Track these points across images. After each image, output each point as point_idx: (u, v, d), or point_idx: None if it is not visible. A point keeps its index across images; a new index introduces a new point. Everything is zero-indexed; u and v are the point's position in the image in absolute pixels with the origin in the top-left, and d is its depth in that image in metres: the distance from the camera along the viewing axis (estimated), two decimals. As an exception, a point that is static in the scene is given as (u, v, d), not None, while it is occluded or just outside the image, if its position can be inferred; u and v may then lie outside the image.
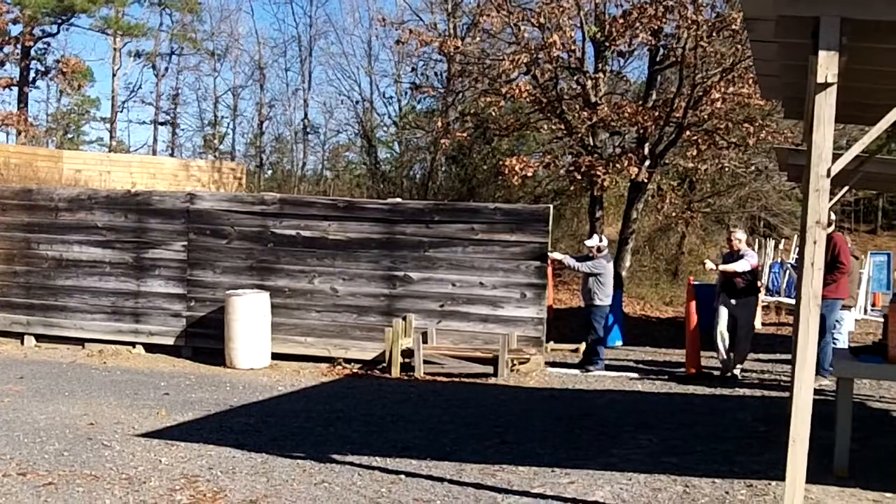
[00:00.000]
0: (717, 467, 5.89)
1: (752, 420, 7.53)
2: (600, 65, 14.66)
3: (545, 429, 7.05)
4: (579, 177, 13.68)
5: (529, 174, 14.10)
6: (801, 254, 4.65)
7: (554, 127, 15.12)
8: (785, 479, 4.31)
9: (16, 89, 28.70)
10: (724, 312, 9.48)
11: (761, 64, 5.84)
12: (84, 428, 6.66)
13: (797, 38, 4.40)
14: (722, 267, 9.50)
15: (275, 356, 9.91)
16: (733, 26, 12.63)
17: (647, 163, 13.88)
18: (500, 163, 15.02)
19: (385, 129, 27.69)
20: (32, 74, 29.55)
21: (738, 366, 9.63)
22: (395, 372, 9.39)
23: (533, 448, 6.37)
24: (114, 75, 32.01)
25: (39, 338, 10.84)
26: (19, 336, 10.88)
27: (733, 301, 9.45)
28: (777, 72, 5.68)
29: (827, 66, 4.04)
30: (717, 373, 9.61)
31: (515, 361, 9.59)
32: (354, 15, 40.99)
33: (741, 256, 9.41)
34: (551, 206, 10.44)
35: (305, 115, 31.67)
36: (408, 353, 9.47)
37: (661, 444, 6.59)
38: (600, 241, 10.29)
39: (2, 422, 6.75)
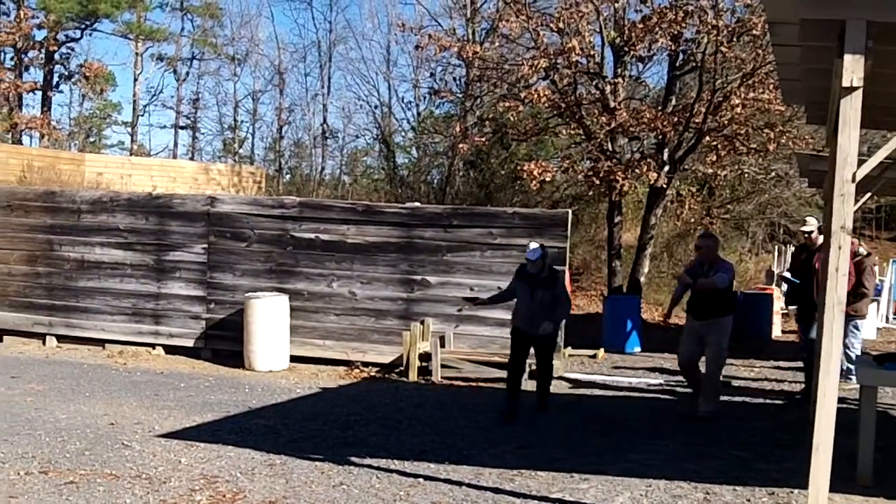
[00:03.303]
0: (738, 474, 5.84)
1: (773, 427, 7.46)
2: (619, 70, 14.62)
3: (563, 434, 7.02)
4: (598, 182, 13.65)
5: (548, 179, 14.08)
6: (824, 260, 4.60)
7: (573, 132, 15.11)
8: (807, 487, 4.28)
9: (39, 93, 29.08)
10: (688, 338, 7.76)
11: (783, 68, 5.82)
12: (105, 428, 6.71)
13: (821, 42, 4.38)
14: (701, 282, 7.58)
15: (293, 359, 9.93)
16: (754, 31, 12.59)
17: (667, 168, 13.83)
18: (519, 167, 14.99)
19: (403, 133, 27.80)
20: (56, 79, 29.94)
21: (707, 406, 7.64)
22: (413, 376, 9.39)
23: (551, 453, 6.35)
24: (135, 79, 32.38)
25: (61, 338, 10.93)
26: (41, 336, 10.98)
27: (701, 322, 7.62)
28: (799, 76, 5.66)
29: (853, 69, 4.02)
30: (735, 382, 9.52)
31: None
32: (374, 20, 41.40)
33: (716, 271, 7.57)
34: (570, 211, 10.39)
35: (324, 119, 31.90)
36: (425, 357, 9.46)
37: (680, 450, 6.55)
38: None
39: (24, 421, 6.82)
